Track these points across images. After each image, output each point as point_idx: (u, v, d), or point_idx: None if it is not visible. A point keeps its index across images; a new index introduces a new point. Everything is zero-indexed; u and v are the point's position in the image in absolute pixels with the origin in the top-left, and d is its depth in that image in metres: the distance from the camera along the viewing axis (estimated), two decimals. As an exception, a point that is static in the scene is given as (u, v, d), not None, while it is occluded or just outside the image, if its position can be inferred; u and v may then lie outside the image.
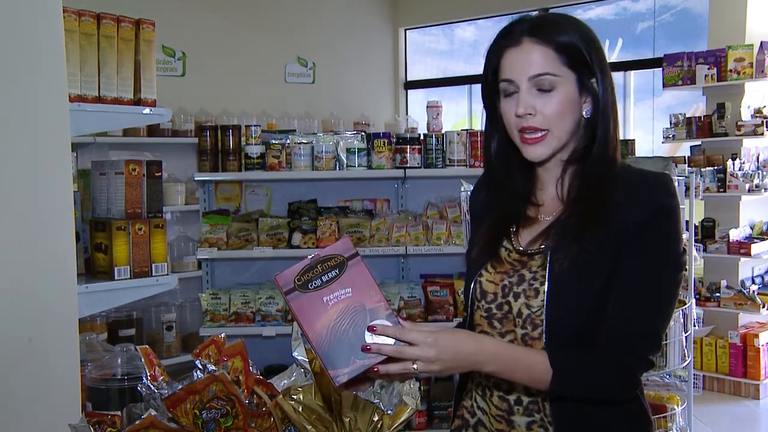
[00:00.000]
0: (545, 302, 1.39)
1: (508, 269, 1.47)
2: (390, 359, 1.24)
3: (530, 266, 1.44)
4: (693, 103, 6.53)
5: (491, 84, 1.46)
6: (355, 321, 1.23)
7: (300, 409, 1.33)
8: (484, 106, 1.51)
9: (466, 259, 1.61)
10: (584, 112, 1.43)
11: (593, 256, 1.37)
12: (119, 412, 1.40)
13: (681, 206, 1.43)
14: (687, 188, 3.81)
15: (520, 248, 1.48)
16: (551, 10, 1.48)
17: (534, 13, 1.48)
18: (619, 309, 1.36)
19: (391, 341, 1.23)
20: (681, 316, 3.30)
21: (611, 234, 1.37)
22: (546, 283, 1.39)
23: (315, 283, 1.24)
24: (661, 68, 6.06)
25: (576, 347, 1.37)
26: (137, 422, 1.25)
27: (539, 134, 1.40)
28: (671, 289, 1.40)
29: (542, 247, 1.44)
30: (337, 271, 1.25)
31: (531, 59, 1.38)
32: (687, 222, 3.84)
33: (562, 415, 1.40)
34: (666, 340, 3.18)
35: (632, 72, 7.08)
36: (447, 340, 1.26)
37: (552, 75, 1.38)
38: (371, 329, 1.23)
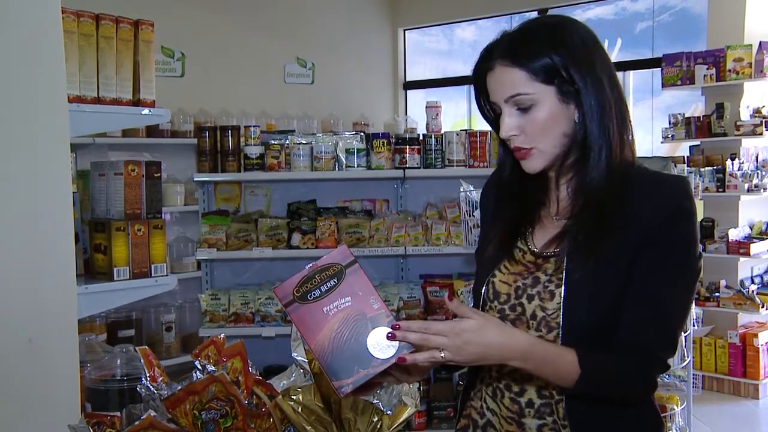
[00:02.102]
0: (562, 305, 1.38)
1: (522, 271, 1.46)
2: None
3: (545, 269, 1.43)
4: (692, 103, 6.53)
5: (485, 104, 1.47)
6: (356, 330, 1.22)
7: (299, 409, 1.33)
8: (488, 123, 1.52)
9: (476, 257, 1.59)
10: (576, 118, 1.40)
11: (609, 259, 1.36)
12: (119, 413, 1.40)
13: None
14: (686, 188, 3.81)
15: (535, 250, 1.47)
16: (550, 11, 1.47)
17: (533, 13, 1.47)
18: (637, 313, 1.35)
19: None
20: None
21: (628, 236, 1.36)
22: (562, 286, 1.38)
23: (314, 294, 1.23)
24: (660, 68, 6.06)
25: (591, 347, 1.36)
26: (137, 423, 1.25)
27: (525, 150, 1.41)
28: (688, 293, 1.40)
29: (557, 250, 1.43)
30: (335, 281, 1.24)
31: (503, 82, 1.38)
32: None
33: (574, 418, 1.39)
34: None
35: (631, 72, 7.08)
36: (474, 331, 1.24)
37: (525, 95, 1.37)
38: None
